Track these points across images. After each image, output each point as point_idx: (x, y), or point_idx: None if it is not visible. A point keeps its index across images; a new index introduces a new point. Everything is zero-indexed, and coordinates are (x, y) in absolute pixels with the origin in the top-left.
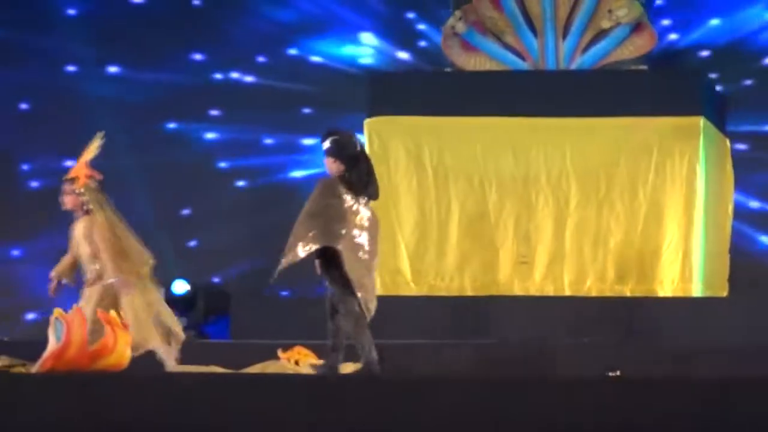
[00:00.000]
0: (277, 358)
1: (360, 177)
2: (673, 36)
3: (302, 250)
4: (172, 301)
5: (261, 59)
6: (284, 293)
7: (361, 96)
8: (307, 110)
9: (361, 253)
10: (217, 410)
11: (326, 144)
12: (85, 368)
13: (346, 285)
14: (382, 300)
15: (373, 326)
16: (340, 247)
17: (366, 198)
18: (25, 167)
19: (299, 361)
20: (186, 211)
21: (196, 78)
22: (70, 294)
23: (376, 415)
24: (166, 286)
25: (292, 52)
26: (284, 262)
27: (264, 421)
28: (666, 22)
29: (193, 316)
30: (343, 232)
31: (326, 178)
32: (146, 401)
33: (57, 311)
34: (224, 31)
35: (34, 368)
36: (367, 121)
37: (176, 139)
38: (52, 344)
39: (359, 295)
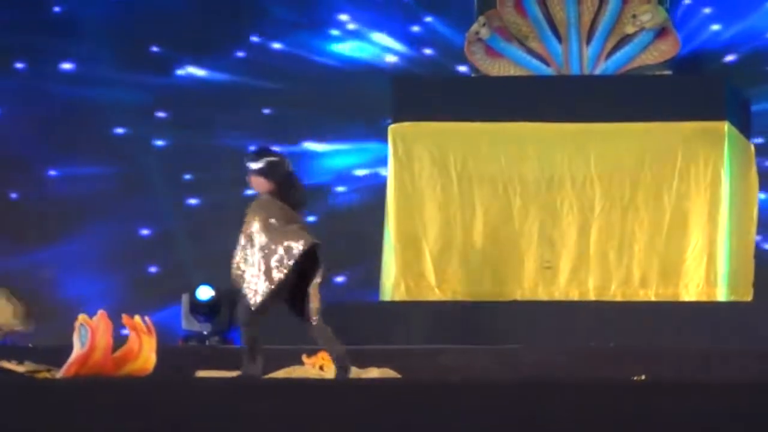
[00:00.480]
0: (301, 363)
1: (295, 197)
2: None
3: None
4: (197, 306)
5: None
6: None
7: (383, 101)
8: (331, 115)
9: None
10: (241, 416)
11: (259, 164)
12: (109, 373)
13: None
14: (407, 305)
15: (400, 331)
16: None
17: (297, 210)
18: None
19: (324, 366)
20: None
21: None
22: (96, 300)
23: (401, 420)
24: (191, 291)
25: (314, 57)
26: (276, 280)
27: (289, 427)
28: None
29: (217, 322)
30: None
31: (262, 200)
32: (171, 407)
33: (82, 317)
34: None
35: (59, 373)
36: (391, 127)
37: (204, 146)
38: (77, 350)
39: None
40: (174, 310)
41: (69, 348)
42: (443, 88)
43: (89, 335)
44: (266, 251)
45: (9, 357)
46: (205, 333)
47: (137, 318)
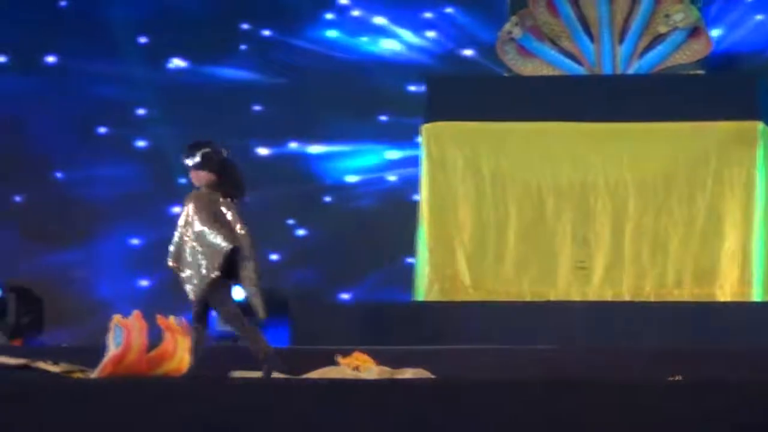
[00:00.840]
0: (336, 363)
1: (234, 181)
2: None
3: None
4: None
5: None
6: (343, 298)
7: (415, 101)
8: (369, 116)
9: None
10: (276, 416)
11: (195, 158)
12: (144, 373)
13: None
14: (441, 305)
15: (432, 331)
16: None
17: (238, 198)
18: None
19: (359, 366)
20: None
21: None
22: (130, 301)
23: (435, 420)
24: None
25: (344, 56)
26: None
27: (324, 427)
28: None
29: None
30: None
31: (200, 193)
32: (205, 407)
33: (116, 317)
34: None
35: (94, 374)
36: (424, 126)
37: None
38: (112, 350)
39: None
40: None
41: (103, 349)
42: (476, 88)
43: (124, 335)
44: (199, 248)
45: (44, 357)
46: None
47: (172, 318)
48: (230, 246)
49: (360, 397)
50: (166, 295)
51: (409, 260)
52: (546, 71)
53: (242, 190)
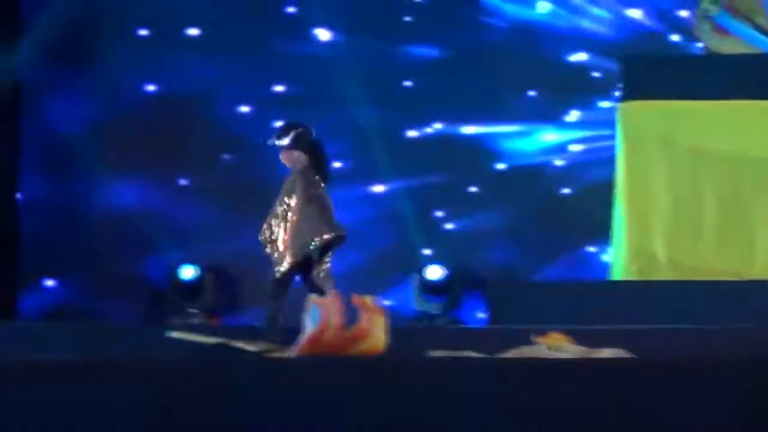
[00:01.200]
0: (533, 343)
1: (325, 161)
2: None
3: (312, 244)
4: (427, 286)
5: None
6: (539, 278)
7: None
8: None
9: None
10: (472, 395)
11: (286, 140)
12: (341, 353)
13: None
14: (638, 285)
15: (629, 311)
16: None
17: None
18: None
19: (556, 346)
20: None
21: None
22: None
23: (634, 399)
24: (420, 271)
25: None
26: (291, 260)
27: (522, 407)
28: None
29: (448, 301)
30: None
31: (302, 170)
32: (402, 386)
33: (313, 297)
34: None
35: (291, 353)
36: (620, 105)
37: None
38: (309, 329)
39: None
40: (405, 290)
41: (299, 328)
42: (672, 67)
43: (321, 315)
44: (297, 227)
45: (242, 336)
46: (435, 312)
47: (368, 298)
48: (329, 237)
49: (557, 376)
50: (361, 275)
51: (599, 241)
52: (742, 49)
53: (327, 174)
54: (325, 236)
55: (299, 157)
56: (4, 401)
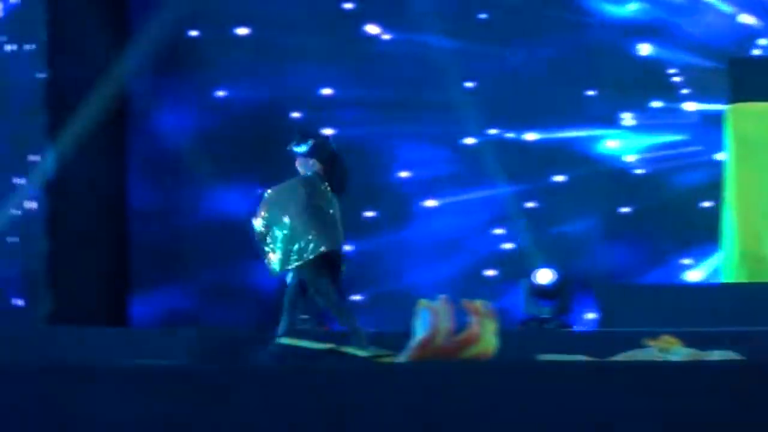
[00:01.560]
0: (644, 346)
1: (340, 175)
2: None
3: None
4: (537, 290)
5: None
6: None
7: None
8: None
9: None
10: (581, 399)
11: (304, 147)
12: (451, 357)
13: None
14: (749, 287)
15: (738, 314)
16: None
17: (338, 194)
18: None
19: (667, 348)
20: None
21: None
22: (434, 286)
23: (745, 403)
24: (528, 275)
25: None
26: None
27: (631, 410)
28: None
29: (557, 305)
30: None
31: (310, 177)
32: (512, 391)
33: (423, 302)
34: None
35: (401, 358)
36: (728, 107)
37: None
38: (419, 335)
39: None
40: (515, 294)
41: (409, 334)
42: None
43: (431, 320)
44: (293, 233)
45: (351, 342)
46: (545, 316)
47: (478, 302)
48: (323, 250)
49: (668, 379)
50: (470, 279)
51: (709, 243)
52: None
53: (344, 185)
54: (322, 248)
55: (313, 166)
56: (120, 405)
